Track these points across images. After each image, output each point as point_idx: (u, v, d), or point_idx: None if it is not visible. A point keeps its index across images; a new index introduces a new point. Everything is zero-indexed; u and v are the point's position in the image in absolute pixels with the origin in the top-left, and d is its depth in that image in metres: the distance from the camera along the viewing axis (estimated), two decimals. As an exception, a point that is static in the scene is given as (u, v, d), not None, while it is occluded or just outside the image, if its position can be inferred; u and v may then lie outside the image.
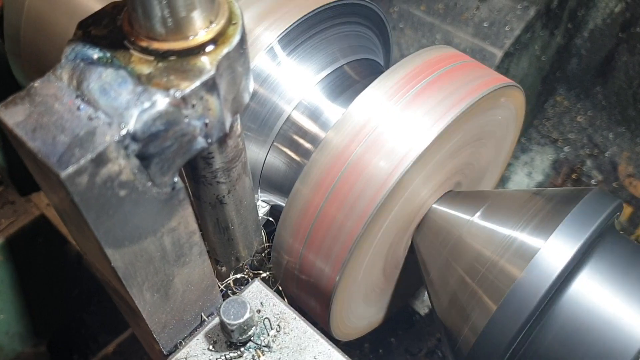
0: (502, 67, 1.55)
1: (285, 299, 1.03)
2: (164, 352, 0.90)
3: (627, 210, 1.80)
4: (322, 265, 0.97)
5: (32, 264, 1.66)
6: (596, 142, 1.88)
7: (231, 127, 0.77)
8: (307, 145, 1.08)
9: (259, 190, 1.16)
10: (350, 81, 1.12)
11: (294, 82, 1.08)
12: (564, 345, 0.87)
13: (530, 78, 1.75)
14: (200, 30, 0.67)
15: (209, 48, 0.67)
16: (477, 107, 0.98)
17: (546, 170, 1.91)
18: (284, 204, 1.02)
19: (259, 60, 1.05)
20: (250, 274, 1.04)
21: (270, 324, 0.89)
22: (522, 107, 1.16)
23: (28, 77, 1.31)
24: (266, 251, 1.06)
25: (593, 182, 1.85)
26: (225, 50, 0.67)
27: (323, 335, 0.89)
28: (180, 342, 0.90)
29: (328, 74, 1.10)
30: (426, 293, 1.20)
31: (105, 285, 0.87)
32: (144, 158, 0.65)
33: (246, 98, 0.75)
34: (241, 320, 0.82)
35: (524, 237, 0.91)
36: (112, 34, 0.70)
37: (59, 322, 1.87)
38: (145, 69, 0.66)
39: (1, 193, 1.67)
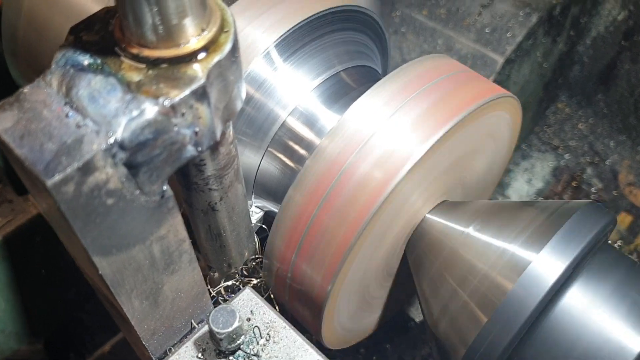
0: (503, 74, 1.54)
1: (277, 307, 1.02)
2: (154, 359, 0.89)
3: (627, 219, 1.79)
4: (314, 273, 0.97)
5: (30, 263, 1.66)
6: (597, 150, 1.87)
7: (223, 134, 0.76)
8: (302, 151, 1.07)
9: (253, 196, 1.15)
10: (346, 88, 1.11)
11: (289, 87, 1.07)
12: (554, 359, 0.87)
13: (531, 85, 1.74)
14: (192, 37, 0.67)
15: (201, 56, 0.67)
16: (473, 117, 0.98)
17: (546, 177, 1.90)
18: (277, 211, 1.02)
19: (255, 65, 1.05)
20: (242, 281, 1.03)
21: (260, 333, 0.89)
22: (519, 116, 1.15)
23: (25, 77, 1.31)
24: (258, 259, 1.05)
25: (593, 190, 1.83)
26: (216, 58, 0.67)
27: (313, 345, 0.88)
28: (170, 349, 0.90)
29: (324, 80, 1.09)
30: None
31: (96, 290, 0.87)
32: (132, 166, 0.64)
33: (238, 106, 0.75)
34: (230, 329, 0.82)
35: (516, 249, 0.91)
36: (103, 40, 0.69)
37: (56, 321, 1.86)
38: (135, 77, 0.65)
39: (-1, 192, 1.67)
